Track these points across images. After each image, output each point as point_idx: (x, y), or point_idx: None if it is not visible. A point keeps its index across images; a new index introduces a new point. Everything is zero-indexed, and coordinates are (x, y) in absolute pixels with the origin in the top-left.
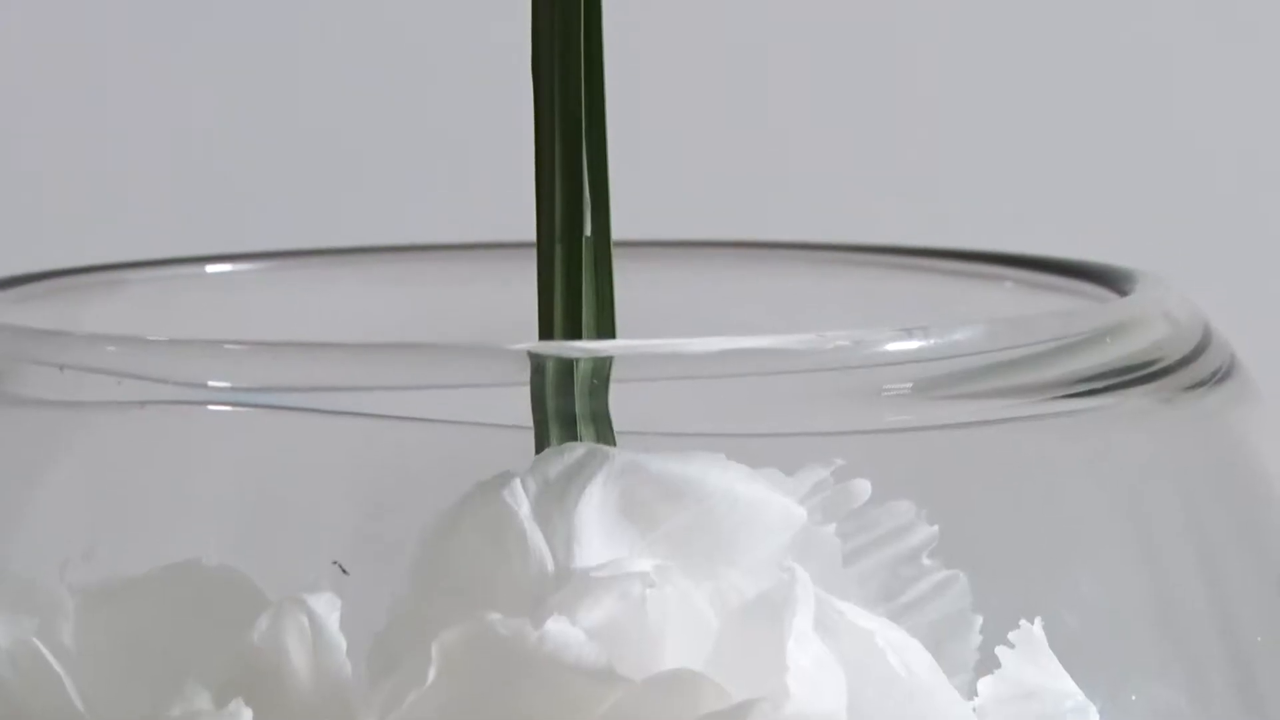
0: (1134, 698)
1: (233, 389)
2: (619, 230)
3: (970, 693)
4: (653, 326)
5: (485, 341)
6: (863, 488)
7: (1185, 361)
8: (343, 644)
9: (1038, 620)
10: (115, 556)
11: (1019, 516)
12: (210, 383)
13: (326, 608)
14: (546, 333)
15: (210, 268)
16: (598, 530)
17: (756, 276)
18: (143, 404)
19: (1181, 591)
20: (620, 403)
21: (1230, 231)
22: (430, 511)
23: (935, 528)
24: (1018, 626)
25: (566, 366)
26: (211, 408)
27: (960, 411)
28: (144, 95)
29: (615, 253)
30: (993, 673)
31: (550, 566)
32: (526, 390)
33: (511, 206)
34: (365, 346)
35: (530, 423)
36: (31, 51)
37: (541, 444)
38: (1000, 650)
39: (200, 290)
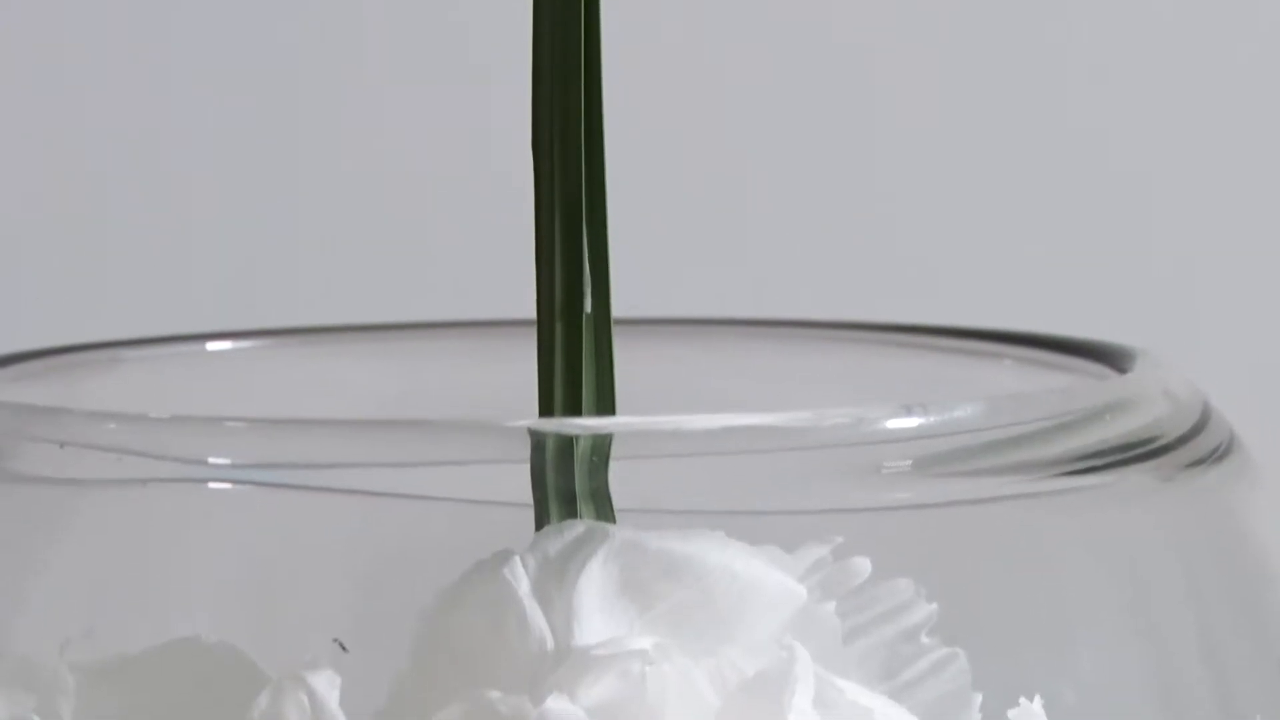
0: None
1: (232, 466)
2: (619, 308)
3: None
4: (652, 404)
5: (485, 419)
6: (862, 565)
7: (1185, 439)
8: None
9: (1037, 698)
10: (115, 634)
11: (1019, 594)
12: (210, 460)
13: (326, 685)
14: (546, 410)
15: (210, 345)
16: (597, 608)
17: (756, 354)
18: (143, 481)
19: (1181, 669)
20: (620, 480)
21: (1229, 309)
22: (430, 589)
23: (935, 605)
24: (1018, 704)
25: (566, 443)
26: (211, 485)
27: (960, 489)
28: (143, 173)
29: (615, 330)
30: None
31: (550, 644)
32: (526, 467)
33: (511, 284)
34: (365, 423)
35: (530, 500)
36: (30, 128)
37: (541, 521)
38: None
39: (199, 368)
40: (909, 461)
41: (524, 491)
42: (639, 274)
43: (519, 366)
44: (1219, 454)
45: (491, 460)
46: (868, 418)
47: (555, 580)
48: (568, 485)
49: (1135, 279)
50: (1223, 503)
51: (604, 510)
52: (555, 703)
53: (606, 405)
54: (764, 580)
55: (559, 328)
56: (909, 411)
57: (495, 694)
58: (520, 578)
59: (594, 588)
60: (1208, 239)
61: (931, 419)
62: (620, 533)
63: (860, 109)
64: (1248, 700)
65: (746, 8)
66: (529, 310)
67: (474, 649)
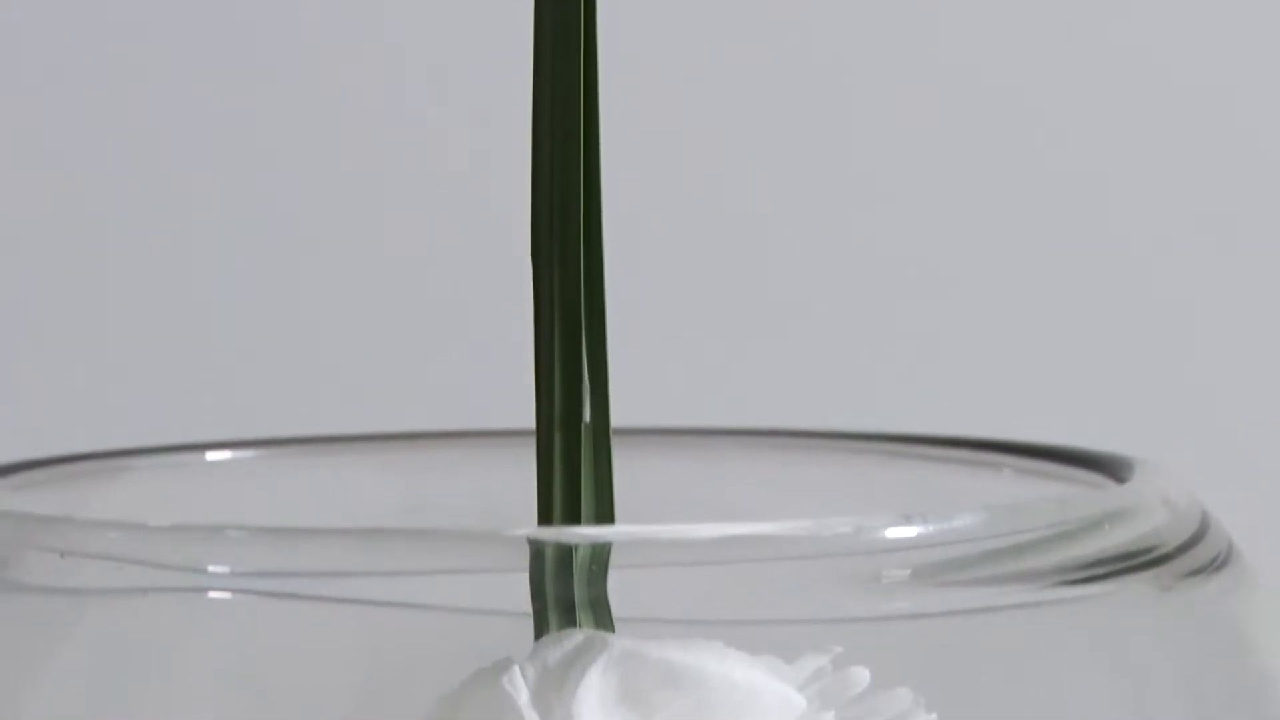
0: None
1: (233, 574)
2: (618, 417)
3: None
4: (651, 513)
5: (484, 527)
6: (861, 675)
7: (1183, 549)
8: None
9: None
10: None
11: (1018, 703)
12: (210, 568)
13: None
14: (545, 518)
15: (210, 455)
16: (597, 717)
17: (754, 463)
18: (144, 590)
19: None
20: (619, 588)
21: (1227, 418)
22: (430, 697)
23: (934, 715)
24: None
25: (565, 552)
26: (212, 594)
27: (959, 598)
28: (144, 282)
29: (614, 439)
30: None
31: None
32: (526, 576)
33: (510, 393)
34: (364, 532)
35: (529, 609)
36: (32, 235)
37: (541, 630)
38: None
39: (200, 477)
40: (908, 570)
41: (523, 600)
42: (638, 383)
43: (518, 476)
44: (1218, 563)
45: (491, 569)
46: (867, 527)
47: (555, 689)
48: (567, 594)
49: (1133, 387)
50: (1222, 612)
51: (603, 619)
52: None
53: (605, 514)
54: (763, 689)
55: (558, 437)
56: (908, 520)
57: None
58: (520, 687)
59: (593, 697)
60: (1205, 348)
61: (931, 528)
62: (619, 642)
63: (853, 215)
64: None
65: (742, 118)
66: (528, 420)
67: None
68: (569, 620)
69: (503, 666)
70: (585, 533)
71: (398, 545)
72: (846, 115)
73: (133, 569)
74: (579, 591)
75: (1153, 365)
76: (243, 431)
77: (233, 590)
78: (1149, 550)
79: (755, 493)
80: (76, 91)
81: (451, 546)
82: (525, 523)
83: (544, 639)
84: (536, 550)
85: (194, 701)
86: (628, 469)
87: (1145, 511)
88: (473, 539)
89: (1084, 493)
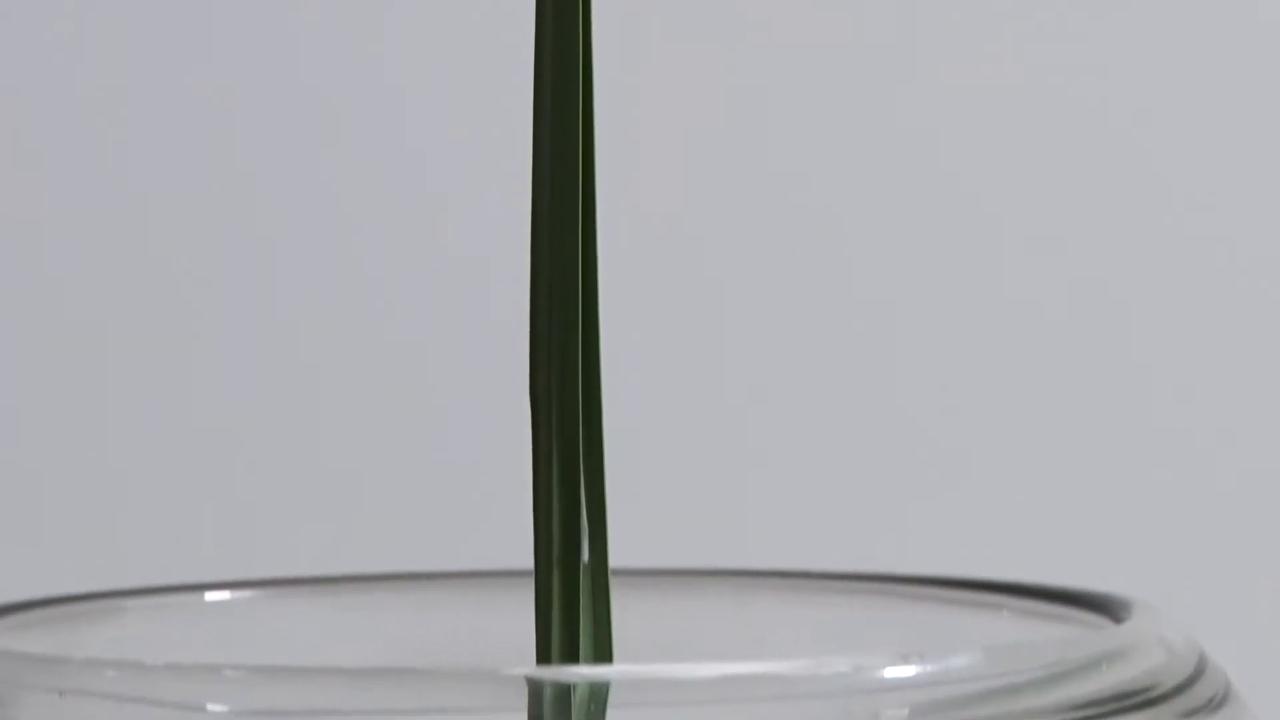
0: None
1: (231, 713)
2: (616, 557)
3: None
4: (650, 652)
5: (482, 666)
6: None
7: (1180, 689)
8: None
9: None
10: None
11: None
12: (209, 707)
13: None
14: (544, 658)
15: (209, 595)
16: None
17: (753, 604)
18: None
19: None
20: None
21: (1225, 559)
22: None
23: None
24: None
25: (564, 692)
26: None
27: None
28: (142, 425)
29: (613, 579)
30: None
31: None
32: (524, 716)
33: (509, 533)
34: (363, 671)
35: None
36: (26, 371)
37: None
38: None
39: (199, 616)
40: (906, 710)
41: None
42: (637, 523)
43: (517, 615)
44: (1215, 703)
45: (489, 708)
46: (865, 666)
47: None
48: None
49: (1131, 528)
50: None
51: None
52: None
53: (604, 653)
54: None
55: (556, 576)
56: (906, 660)
57: None
58: None
59: None
60: (1202, 488)
61: (929, 668)
62: None
63: (849, 348)
64: None
65: (735, 259)
66: (527, 559)
67: None
68: None
69: None
70: (583, 672)
71: (396, 685)
72: (835, 258)
73: (132, 708)
74: None
75: (1151, 506)
76: (240, 572)
77: None
78: (1146, 690)
79: (753, 632)
80: (80, 242)
81: (450, 685)
82: (523, 662)
83: None
84: (535, 689)
85: None
86: (626, 608)
87: (1143, 651)
88: (471, 678)
89: (1082, 633)
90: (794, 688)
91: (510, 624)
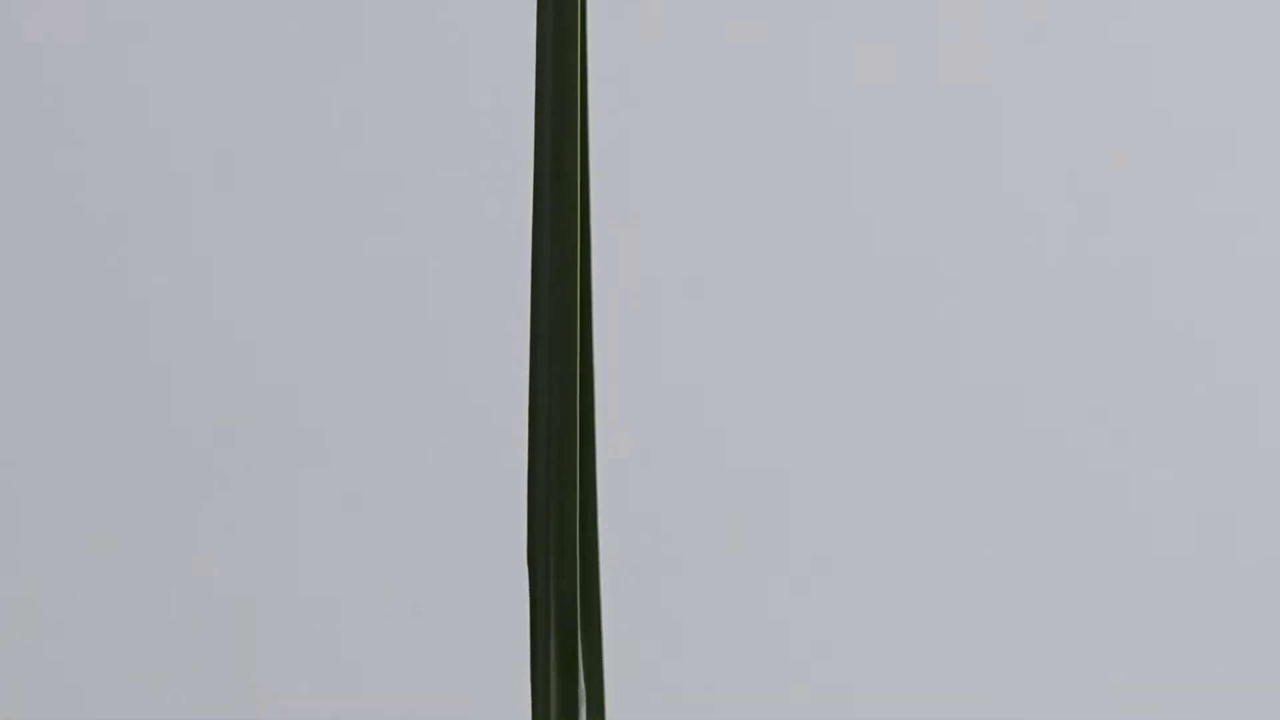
0: None
1: None
2: (614, 719)
3: None
4: None
5: None
6: None
7: None
8: None
9: None
10: None
11: None
12: None
13: None
14: None
15: None
16: None
17: None
18: None
19: None
20: None
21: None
22: None
23: None
24: None
25: None
26: None
27: None
28: (148, 585)
29: None
30: None
31: None
32: None
33: (506, 701)
34: None
35: None
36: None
37: None
38: None
39: None
40: None
41: None
42: (635, 684)
43: None
44: None
45: None
46: None
47: None
48: None
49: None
50: None
51: None
52: None
53: None
54: None
55: None
56: None
57: None
58: None
59: None
60: (1202, 668)
61: None
62: None
63: (845, 506)
64: None
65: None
66: None
67: None
68: None
69: None
70: None
71: None
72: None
73: None
74: None
75: (1152, 674)
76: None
77: None
78: None
79: None
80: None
81: None
82: None
83: None
84: None
85: None
86: None
87: None
88: None
89: None
90: None
91: None
